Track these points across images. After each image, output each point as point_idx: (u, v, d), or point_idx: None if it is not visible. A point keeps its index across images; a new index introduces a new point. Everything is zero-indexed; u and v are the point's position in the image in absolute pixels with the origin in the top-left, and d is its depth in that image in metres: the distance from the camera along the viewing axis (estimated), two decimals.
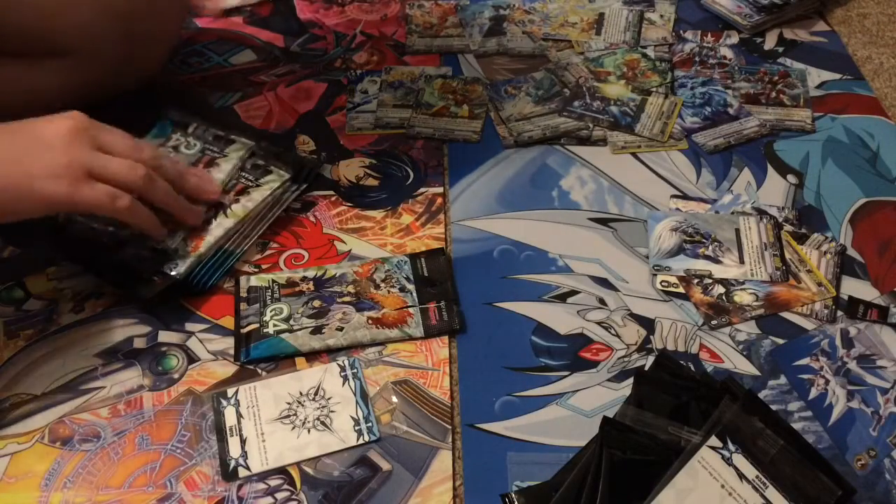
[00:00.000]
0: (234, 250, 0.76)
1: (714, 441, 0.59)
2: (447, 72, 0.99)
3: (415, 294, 0.73)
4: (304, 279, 0.74)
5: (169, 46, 0.94)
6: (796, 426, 0.63)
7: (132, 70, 0.87)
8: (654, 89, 0.95)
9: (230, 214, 0.76)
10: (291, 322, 0.71)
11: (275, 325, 0.70)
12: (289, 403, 0.66)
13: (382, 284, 0.74)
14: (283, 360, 0.69)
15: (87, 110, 0.71)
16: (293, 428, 0.64)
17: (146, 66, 0.89)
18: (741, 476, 0.57)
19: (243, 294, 0.73)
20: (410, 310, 0.72)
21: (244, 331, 0.70)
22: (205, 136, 0.82)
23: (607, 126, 0.91)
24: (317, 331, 0.70)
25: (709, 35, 1.04)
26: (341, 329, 0.70)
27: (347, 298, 0.73)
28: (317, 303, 0.72)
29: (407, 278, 0.74)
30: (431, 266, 0.76)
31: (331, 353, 0.69)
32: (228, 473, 0.62)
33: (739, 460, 0.58)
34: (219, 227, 0.75)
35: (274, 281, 0.74)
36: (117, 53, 0.83)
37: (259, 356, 0.69)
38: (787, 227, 0.80)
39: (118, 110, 0.86)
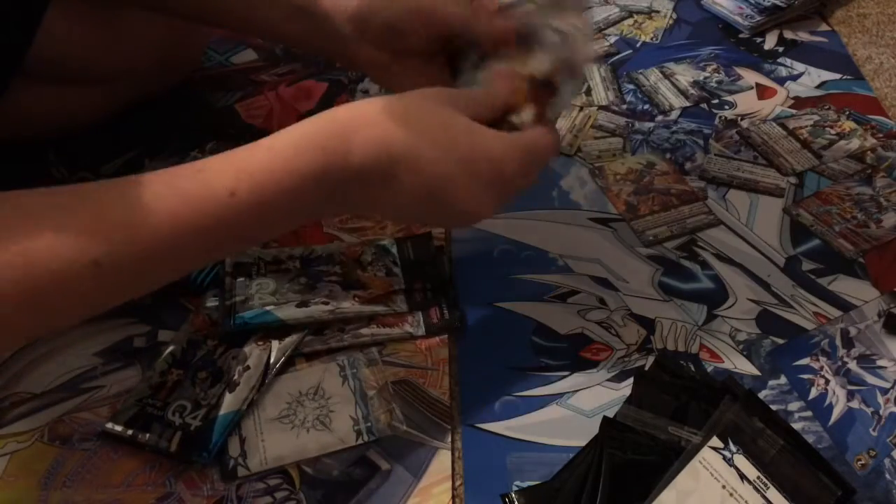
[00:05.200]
0: None
1: (715, 442, 0.59)
2: None
3: (401, 277, 0.73)
4: (290, 257, 0.74)
5: (194, 65, 0.97)
6: (796, 426, 0.63)
7: (156, 87, 0.92)
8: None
9: None
10: (277, 297, 0.71)
11: (261, 299, 0.70)
12: (288, 403, 0.66)
13: (369, 267, 0.74)
14: (270, 330, 0.69)
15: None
16: (292, 427, 0.64)
17: (169, 82, 0.94)
18: (742, 477, 0.57)
19: (228, 269, 0.73)
20: (412, 313, 0.72)
21: (229, 303, 0.70)
22: (220, 151, 0.83)
23: None
24: (303, 304, 0.70)
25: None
26: (327, 303, 0.70)
27: (334, 278, 0.73)
28: (303, 280, 0.72)
29: (394, 262, 0.74)
30: (418, 250, 0.76)
31: (330, 352, 0.69)
32: (227, 473, 0.62)
33: (741, 461, 0.58)
34: None
35: (260, 258, 0.74)
36: (149, 78, 0.88)
37: (244, 323, 0.68)
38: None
39: (142, 129, 0.88)
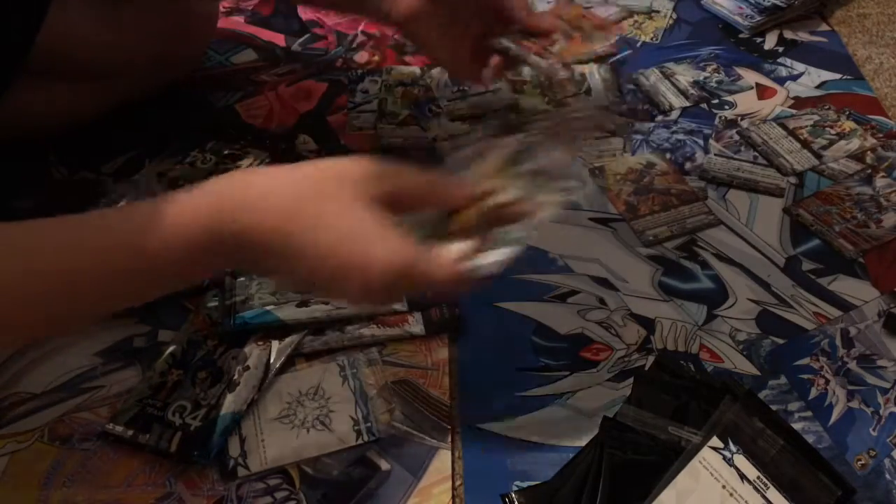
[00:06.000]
0: None
1: (716, 442, 0.59)
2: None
3: None
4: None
5: (195, 63, 0.97)
6: (796, 426, 0.63)
7: (156, 85, 0.92)
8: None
9: None
10: (277, 296, 0.70)
11: (260, 299, 0.70)
12: (288, 403, 0.66)
13: None
14: (270, 330, 0.69)
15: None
16: (292, 427, 0.64)
17: (170, 81, 0.93)
18: (742, 477, 0.57)
19: (229, 269, 0.73)
20: (412, 313, 0.72)
21: (229, 303, 0.70)
22: (220, 150, 0.83)
23: None
24: (303, 304, 0.70)
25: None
26: (327, 303, 0.70)
27: None
28: None
29: None
30: None
31: (330, 352, 0.69)
32: (227, 473, 0.62)
33: (741, 461, 0.58)
34: None
35: None
36: (149, 73, 0.88)
37: (244, 323, 0.68)
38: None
39: (142, 129, 0.88)
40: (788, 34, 1.05)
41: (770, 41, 1.04)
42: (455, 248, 0.53)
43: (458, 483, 0.62)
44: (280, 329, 0.69)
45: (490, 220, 0.55)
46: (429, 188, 0.56)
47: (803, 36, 1.05)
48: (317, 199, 0.52)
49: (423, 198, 0.56)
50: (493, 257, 0.53)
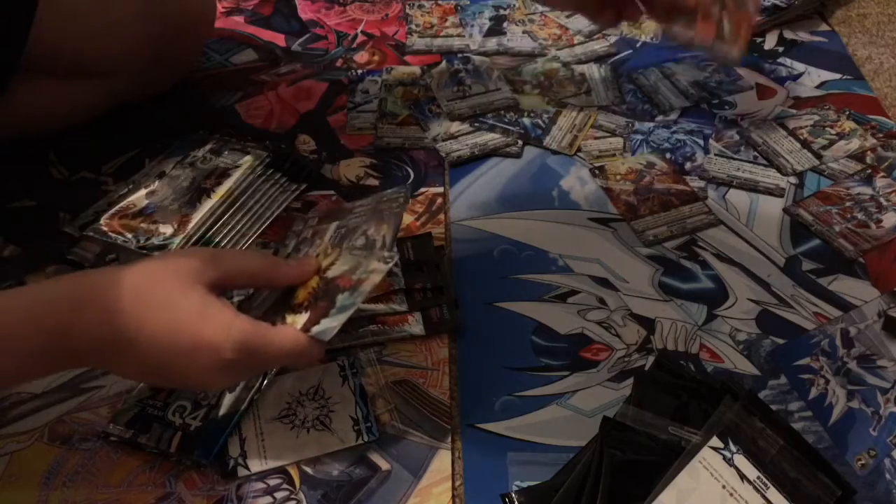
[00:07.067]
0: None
1: (716, 441, 0.59)
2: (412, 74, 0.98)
3: (401, 277, 0.73)
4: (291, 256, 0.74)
5: (190, 66, 0.97)
6: (796, 426, 0.63)
7: (154, 85, 0.92)
8: (570, 102, 0.94)
9: (213, 195, 0.78)
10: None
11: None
12: (288, 403, 0.66)
13: None
14: None
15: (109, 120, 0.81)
16: (292, 427, 0.64)
17: (168, 81, 0.94)
18: (742, 476, 0.57)
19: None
20: (412, 313, 0.72)
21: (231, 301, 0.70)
22: (221, 150, 0.83)
23: (517, 137, 0.90)
24: None
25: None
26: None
27: None
28: None
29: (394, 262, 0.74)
30: (418, 250, 0.76)
31: (331, 352, 0.69)
32: (227, 473, 0.62)
33: (741, 461, 0.58)
34: (203, 207, 0.77)
35: None
36: (144, 73, 0.88)
37: None
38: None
39: (142, 129, 0.88)
40: (788, 34, 1.05)
41: (770, 41, 1.04)
42: (298, 319, 0.58)
43: (458, 483, 0.62)
44: None
45: (328, 290, 0.59)
46: (262, 270, 0.60)
47: (803, 36, 1.05)
48: (162, 293, 0.54)
49: (256, 278, 0.61)
50: (331, 323, 0.57)
